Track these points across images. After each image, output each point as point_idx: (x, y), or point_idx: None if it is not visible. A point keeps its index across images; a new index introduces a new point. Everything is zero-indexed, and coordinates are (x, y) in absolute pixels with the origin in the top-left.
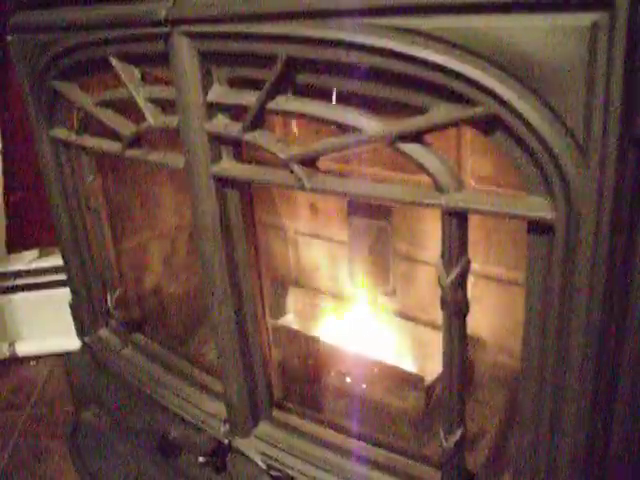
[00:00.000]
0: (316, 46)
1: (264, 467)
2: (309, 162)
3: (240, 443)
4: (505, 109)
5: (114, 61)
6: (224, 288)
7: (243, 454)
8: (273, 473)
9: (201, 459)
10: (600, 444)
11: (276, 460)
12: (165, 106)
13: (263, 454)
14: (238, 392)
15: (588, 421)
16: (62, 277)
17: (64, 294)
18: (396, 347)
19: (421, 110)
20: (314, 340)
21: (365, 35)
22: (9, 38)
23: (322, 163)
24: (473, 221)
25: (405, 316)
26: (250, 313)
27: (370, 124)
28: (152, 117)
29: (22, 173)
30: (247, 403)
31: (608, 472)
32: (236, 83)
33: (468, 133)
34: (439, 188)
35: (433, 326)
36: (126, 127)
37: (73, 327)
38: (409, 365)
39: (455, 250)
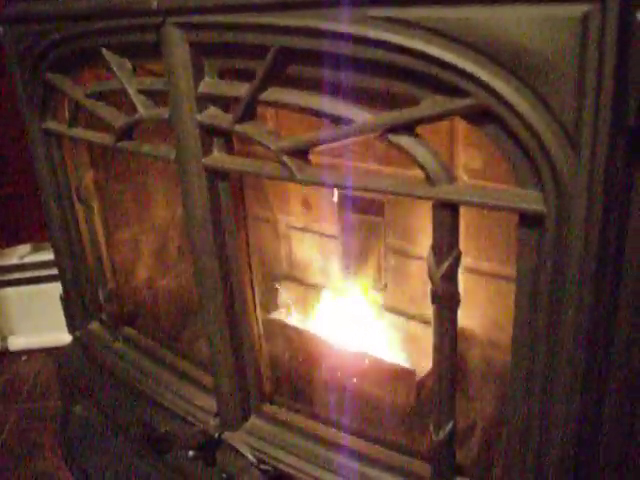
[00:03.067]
0: (308, 37)
1: (254, 461)
2: (300, 154)
3: (230, 437)
4: (496, 100)
5: (105, 52)
6: (215, 281)
7: (233, 448)
8: (263, 467)
9: (191, 453)
10: (590, 438)
11: (266, 454)
12: (156, 98)
13: (253, 448)
14: (229, 386)
15: (578, 415)
16: (54, 272)
17: (56, 288)
18: (387, 341)
19: (413, 102)
20: (305, 334)
21: (357, 26)
22: (0, 29)
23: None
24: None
25: (396, 311)
26: (241, 306)
27: (362, 115)
28: (143, 108)
29: (12, 167)
30: (238, 397)
31: (597, 467)
32: (228, 74)
33: (461, 126)
34: (430, 180)
35: (424, 321)
36: (117, 118)
37: (64, 321)
38: (400, 359)
39: (446, 242)
